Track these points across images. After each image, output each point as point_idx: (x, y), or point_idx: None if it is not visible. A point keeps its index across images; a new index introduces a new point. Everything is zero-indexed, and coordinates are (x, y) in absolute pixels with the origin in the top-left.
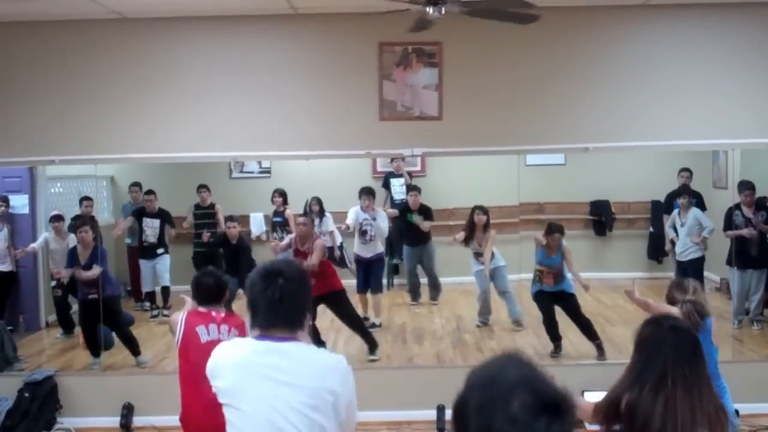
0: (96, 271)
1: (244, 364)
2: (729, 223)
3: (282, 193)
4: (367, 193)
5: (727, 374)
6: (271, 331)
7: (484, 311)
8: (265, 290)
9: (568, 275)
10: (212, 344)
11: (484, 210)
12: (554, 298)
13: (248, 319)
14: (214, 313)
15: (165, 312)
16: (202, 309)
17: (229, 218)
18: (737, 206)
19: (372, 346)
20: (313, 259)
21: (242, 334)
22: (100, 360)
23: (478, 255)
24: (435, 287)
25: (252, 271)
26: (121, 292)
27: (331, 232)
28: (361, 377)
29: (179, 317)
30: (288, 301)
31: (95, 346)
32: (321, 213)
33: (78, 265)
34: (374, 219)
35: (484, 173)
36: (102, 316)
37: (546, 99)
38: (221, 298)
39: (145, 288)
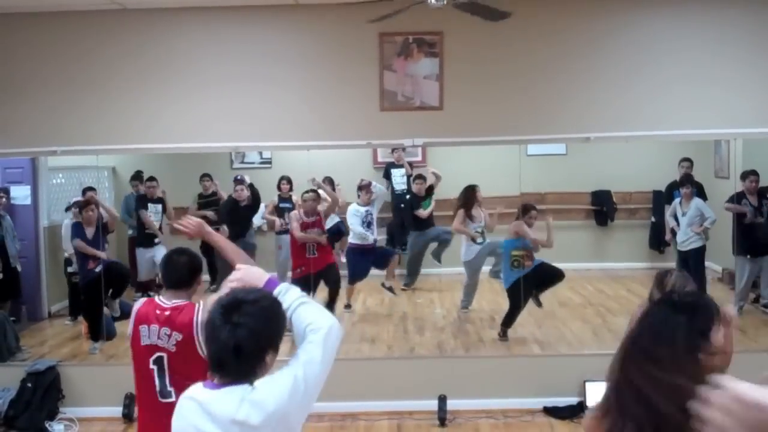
0: (104, 254)
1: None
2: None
3: (289, 180)
4: (362, 188)
5: (732, 365)
6: (219, 380)
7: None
8: (219, 329)
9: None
10: (149, 350)
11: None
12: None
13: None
14: (158, 310)
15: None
16: (158, 299)
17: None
18: (743, 194)
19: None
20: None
21: (188, 334)
22: (99, 345)
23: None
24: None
25: (213, 303)
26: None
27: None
28: (362, 367)
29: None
30: (244, 346)
31: (97, 331)
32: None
33: (85, 239)
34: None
35: (485, 163)
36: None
37: (547, 89)
38: (193, 282)
39: (140, 277)
